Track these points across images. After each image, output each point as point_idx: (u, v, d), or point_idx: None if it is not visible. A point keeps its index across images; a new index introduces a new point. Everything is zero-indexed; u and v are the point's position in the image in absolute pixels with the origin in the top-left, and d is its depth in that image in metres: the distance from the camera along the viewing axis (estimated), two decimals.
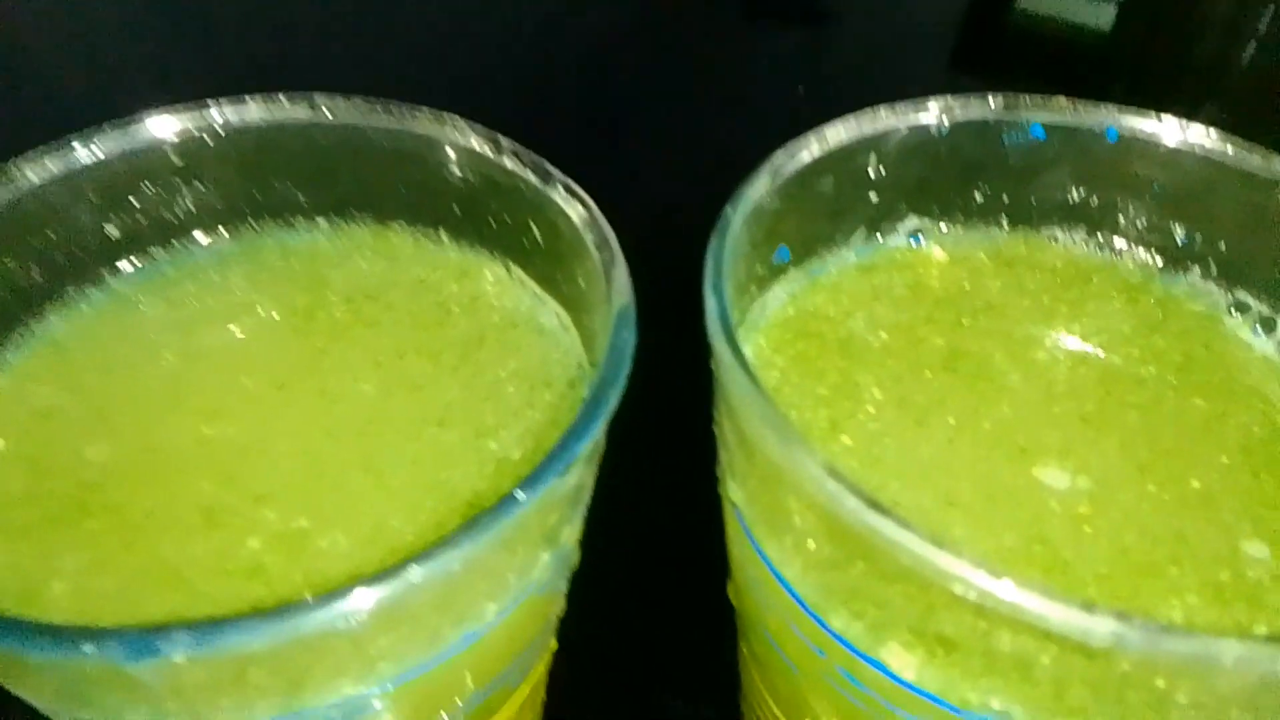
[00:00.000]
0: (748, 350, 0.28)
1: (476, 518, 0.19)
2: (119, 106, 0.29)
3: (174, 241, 0.31)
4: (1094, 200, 0.30)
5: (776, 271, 0.29)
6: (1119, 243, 0.31)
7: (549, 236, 0.28)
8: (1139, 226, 0.30)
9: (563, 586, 0.27)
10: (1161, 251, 0.30)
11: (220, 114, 0.29)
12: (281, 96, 0.30)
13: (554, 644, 0.31)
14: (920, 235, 0.31)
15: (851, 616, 0.21)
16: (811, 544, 0.21)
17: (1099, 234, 0.31)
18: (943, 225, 0.31)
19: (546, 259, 0.29)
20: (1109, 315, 0.29)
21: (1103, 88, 0.66)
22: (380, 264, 0.32)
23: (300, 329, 0.30)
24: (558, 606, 0.28)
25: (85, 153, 0.28)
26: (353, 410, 0.27)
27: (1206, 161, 0.28)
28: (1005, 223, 0.31)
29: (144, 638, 0.17)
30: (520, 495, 0.20)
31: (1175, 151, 0.29)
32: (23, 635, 0.17)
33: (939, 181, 0.30)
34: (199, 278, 0.31)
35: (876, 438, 0.26)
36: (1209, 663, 0.17)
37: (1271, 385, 0.27)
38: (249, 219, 0.32)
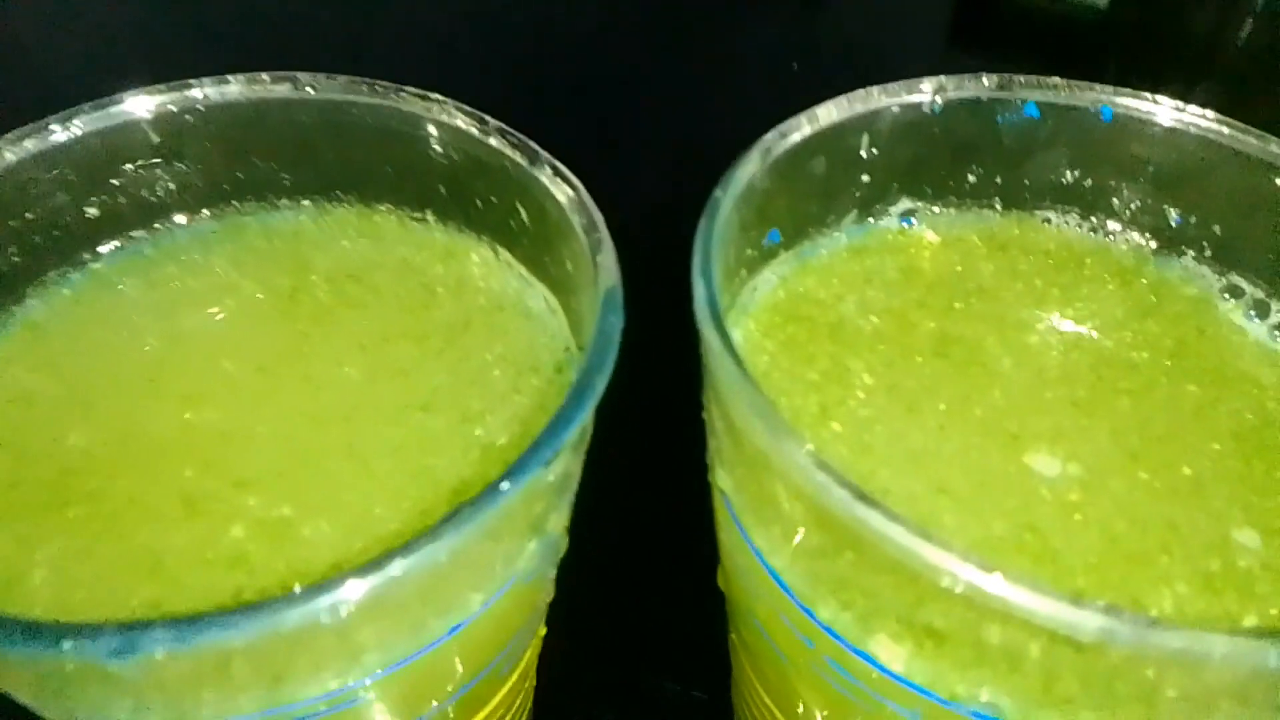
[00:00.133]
0: (737, 334, 0.28)
1: (460, 509, 0.19)
2: (99, 86, 0.28)
3: (155, 223, 0.30)
4: (1088, 181, 0.30)
5: (767, 254, 0.29)
6: (1113, 225, 0.31)
7: (536, 218, 0.28)
8: (1133, 208, 0.30)
9: (551, 574, 0.27)
10: (1155, 234, 0.30)
11: (201, 93, 0.29)
12: (264, 75, 0.29)
13: (544, 629, 0.31)
14: (913, 217, 0.31)
15: (840, 607, 0.21)
16: (800, 534, 0.21)
17: (1093, 216, 0.31)
18: (935, 207, 0.31)
19: (534, 241, 0.29)
20: (1102, 299, 0.29)
21: (1099, 65, 0.66)
22: (365, 245, 0.31)
23: (283, 311, 0.29)
24: (546, 594, 0.28)
25: (64, 133, 0.27)
26: (336, 395, 0.27)
27: (1202, 142, 0.28)
28: (998, 204, 0.31)
29: (123, 635, 0.17)
30: (505, 485, 0.20)
31: (1171, 132, 0.28)
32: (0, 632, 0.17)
33: (932, 162, 0.30)
34: (180, 259, 0.30)
35: (867, 424, 0.25)
36: (1197, 657, 0.16)
37: (1263, 370, 0.27)
38: (231, 199, 0.31)
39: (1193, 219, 0.29)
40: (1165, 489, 0.24)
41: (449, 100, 0.29)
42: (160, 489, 0.25)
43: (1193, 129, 0.28)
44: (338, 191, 0.32)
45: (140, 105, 0.28)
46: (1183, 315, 0.29)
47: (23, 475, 0.25)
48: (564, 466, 0.23)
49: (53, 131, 0.27)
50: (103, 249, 0.30)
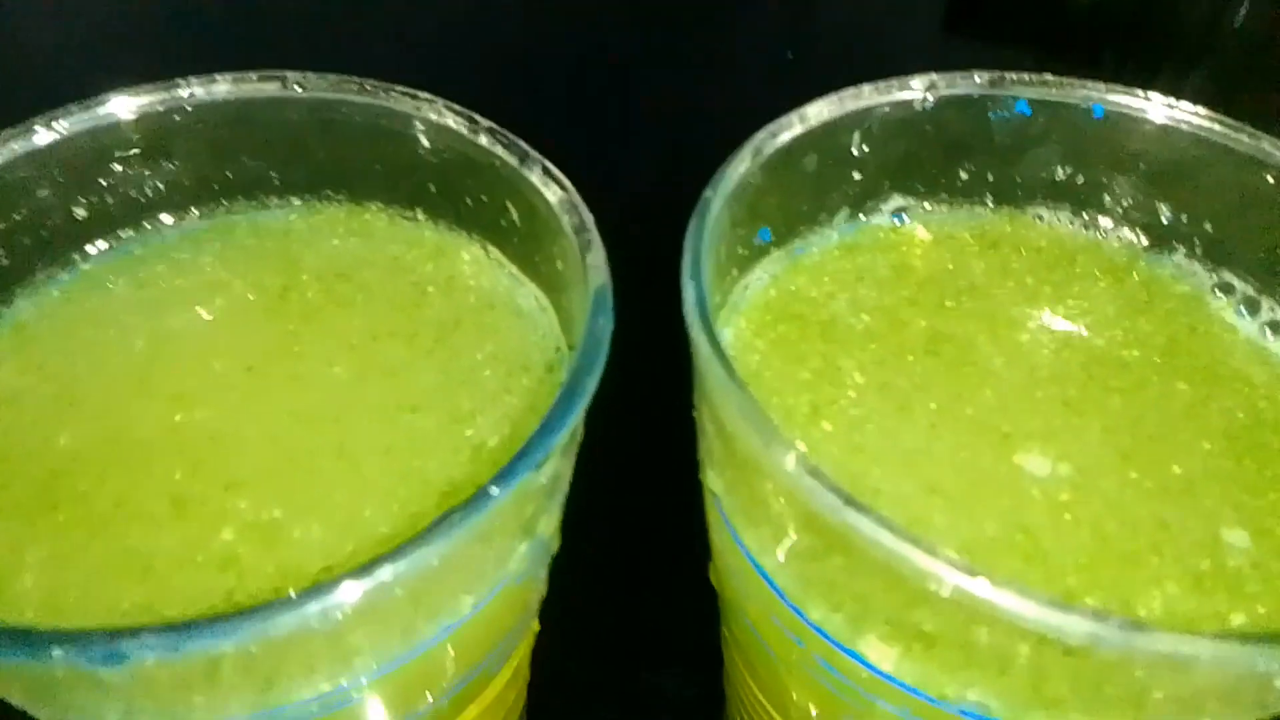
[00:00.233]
0: (728, 333, 0.28)
1: (449, 514, 0.19)
2: (85, 86, 0.28)
3: (144, 222, 0.30)
4: (1080, 178, 0.30)
5: (758, 252, 0.29)
6: (1105, 222, 0.30)
7: (526, 217, 0.28)
8: (1125, 205, 0.30)
9: (542, 574, 0.27)
10: (1147, 231, 0.30)
11: (189, 92, 0.29)
12: (252, 74, 0.29)
13: (536, 626, 0.31)
14: (904, 214, 0.31)
15: (830, 608, 0.21)
16: (790, 536, 0.21)
17: (1084, 213, 0.31)
18: (927, 204, 0.31)
19: (524, 240, 0.29)
20: (1093, 297, 0.29)
21: (1093, 52, 0.65)
22: (355, 243, 0.31)
23: (273, 310, 0.29)
24: (538, 593, 0.28)
25: (50, 134, 0.27)
26: (325, 395, 0.27)
27: (1194, 140, 0.28)
28: (990, 201, 0.31)
29: (113, 642, 0.17)
30: (494, 490, 0.20)
31: (1162, 129, 0.28)
32: None
33: (923, 160, 0.30)
34: (169, 258, 0.30)
35: (858, 424, 0.25)
36: (1182, 660, 0.16)
37: (1254, 368, 0.27)
38: (221, 198, 0.31)
39: (1184, 216, 0.29)
40: (1156, 488, 0.24)
41: (438, 99, 0.29)
42: (150, 491, 0.25)
43: (1184, 126, 0.28)
44: (328, 190, 0.32)
45: (127, 105, 0.28)
46: (1174, 313, 0.29)
47: (12, 477, 0.25)
48: (554, 469, 0.23)
49: (39, 132, 0.27)
50: (91, 249, 0.30)
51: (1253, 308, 0.29)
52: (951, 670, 0.20)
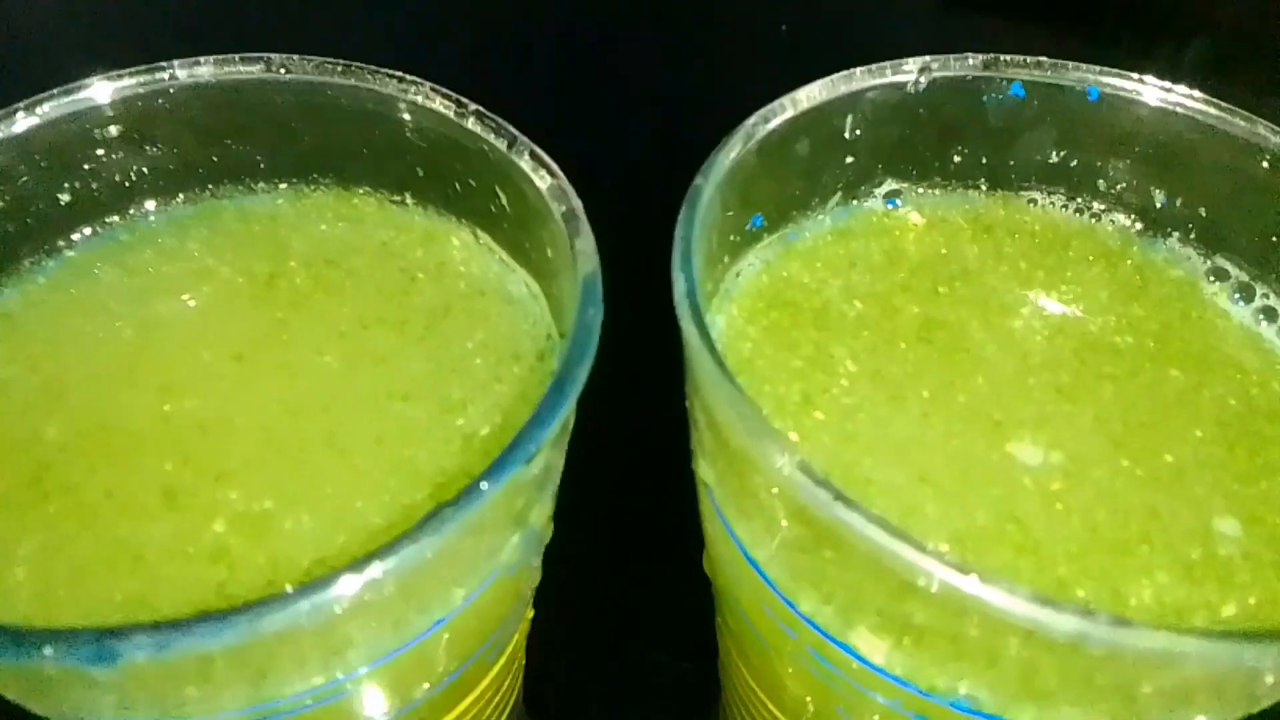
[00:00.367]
0: (721, 321, 0.27)
1: (439, 509, 0.19)
2: (67, 71, 0.28)
3: (129, 208, 0.30)
4: (1074, 162, 0.30)
5: (750, 238, 0.28)
6: (1099, 205, 0.30)
7: (516, 203, 0.28)
8: (1119, 189, 0.30)
9: (535, 562, 0.27)
10: (1141, 215, 0.30)
11: (173, 75, 0.28)
12: (236, 56, 0.29)
13: (531, 612, 0.31)
14: (897, 198, 0.30)
15: (821, 600, 0.21)
16: (780, 529, 0.21)
17: (1079, 197, 0.30)
18: (920, 188, 0.31)
19: (514, 226, 0.29)
20: (1087, 282, 0.29)
21: (1094, 23, 0.65)
22: (343, 229, 0.31)
23: (261, 297, 0.29)
24: (531, 581, 0.28)
25: (33, 119, 0.27)
26: (315, 384, 0.27)
27: (1188, 123, 0.28)
28: (984, 185, 0.31)
29: (104, 641, 0.17)
30: (484, 485, 0.19)
31: (1157, 112, 0.28)
32: None
33: (917, 143, 0.30)
34: (156, 244, 0.30)
35: (850, 412, 0.25)
36: (1170, 656, 0.16)
37: (1247, 355, 0.27)
38: (207, 183, 0.31)
39: (1179, 200, 0.29)
40: (1147, 477, 0.24)
41: (425, 82, 0.28)
42: (140, 482, 0.25)
43: (1179, 109, 0.28)
44: (315, 174, 0.31)
45: (111, 89, 0.28)
46: (1168, 299, 0.28)
47: (2, 469, 0.25)
48: (545, 461, 0.23)
49: (21, 118, 0.27)
50: (77, 236, 0.29)
51: (1246, 294, 0.28)
52: (942, 663, 0.20)
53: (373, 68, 0.29)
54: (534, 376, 0.27)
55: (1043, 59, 0.28)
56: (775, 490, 0.20)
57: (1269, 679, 0.18)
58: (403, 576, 0.19)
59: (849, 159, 0.29)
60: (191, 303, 0.29)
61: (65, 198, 0.29)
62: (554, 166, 0.26)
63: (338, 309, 0.29)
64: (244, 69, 0.29)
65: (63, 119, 0.27)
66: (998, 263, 0.29)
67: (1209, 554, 0.23)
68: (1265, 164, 0.27)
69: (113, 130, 0.28)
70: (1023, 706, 0.20)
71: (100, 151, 0.29)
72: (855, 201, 0.30)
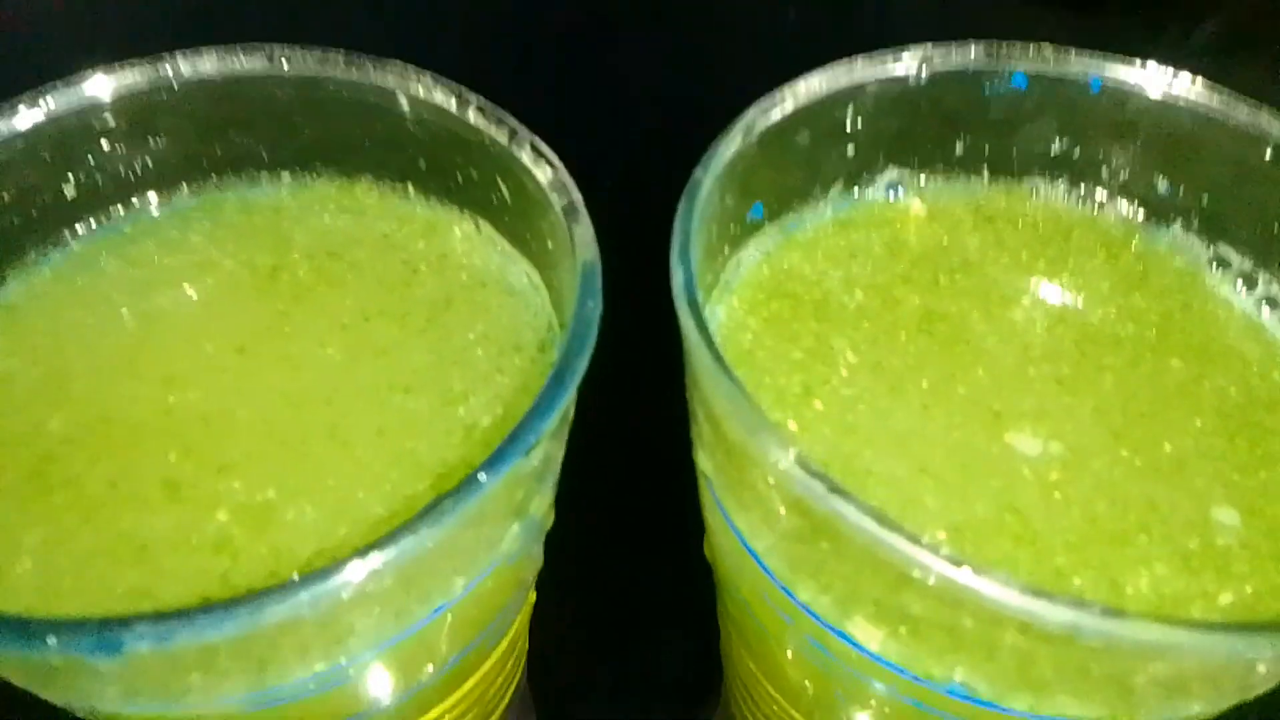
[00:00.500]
0: (721, 311, 0.28)
1: (439, 501, 0.19)
2: (70, 63, 0.28)
3: (133, 199, 0.30)
4: (1076, 151, 0.30)
5: (751, 229, 0.28)
6: (1101, 195, 0.30)
7: (516, 195, 0.28)
8: (1122, 178, 0.30)
9: (536, 550, 0.27)
10: (1144, 204, 0.30)
11: (175, 68, 0.28)
12: (238, 48, 0.29)
13: (533, 596, 0.31)
14: (899, 188, 0.30)
15: (818, 590, 0.21)
16: (778, 521, 0.21)
17: (1081, 186, 0.30)
18: (922, 178, 0.30)
19: (515, 217, 0.29)
20: (1089, 272, 0.29)
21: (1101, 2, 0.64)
22: (345, 220, 0.31)
23: (263, 289, 0.29)
24: (532, 568, 0.28)
25: (36, 112, 0.27)
26: (317, 376, 0.27)
27: (1192, 112, 0.28)
28: (986, 175, 0.31)
29: (107, 632, 0.17)
30: (483, 477, 0.20)
31: (1160, 102, 0.28)
32: None
33: (918, 133, 0.30)
34: (158, 236, 0.30)
35: (850, 404, 0.25)
36: (1163, 648, 0.17)
37: (1248, 345, 0.27)
38: (210, 175, 0.31)
39: (1181, 189, 0.29)
40: (1147, 467, 0.24)
41: (426, 73, 0.28)
42: (143, 474, 0.25)
43: (1182, 99, 0.27)
44: (317, 165, 0.31)
45: (113, 82, 0.28)
46: (1169, 288, 0.28)
47: (4, 461, 0.25)
48: (544, 452, 0.23)
49: (23, 111, 0.27)
50: (81, 228, 0.29)
51: (1249, 283, 0.28)
52: (938, 652, 0.20)
53: (375, 59, 0.29)
54: (535, 368, 0.27)
55: (1045, 48, 0.28)
56: (772, 482, 0.20)
57: (1261, 669, 0.18)
58: (403, 567, 0.19)
59: (850, 149, 0.29)
60: (194, 295, 0.29)
61: (69, 190, 0.29)
62: (555, 159, 0.26)
63: (340, 301, 0.29)
64: (246, 61, 0.29)
65: (65, 112, 0.28)
66: (999, 253, 0.29)
67: (1207, 544, 0.23)
68: (1269, 153, 0.27)
69: (115, 123, 0.29)
70: (1018, 695, 0.20)
71: (103, 144, 0.29)
72: (857, 192, 0.30)
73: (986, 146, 0.30)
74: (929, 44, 0.28)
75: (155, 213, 0.30)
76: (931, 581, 0.17)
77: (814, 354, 0.26)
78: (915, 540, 0.17)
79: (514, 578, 0.26)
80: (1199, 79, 0.27)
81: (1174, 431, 0.25)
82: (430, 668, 0.26)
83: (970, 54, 0.28)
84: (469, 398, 0.26)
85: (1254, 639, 0.16)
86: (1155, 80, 0.28)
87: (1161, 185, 0.29)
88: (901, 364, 0.26)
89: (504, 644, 0.30)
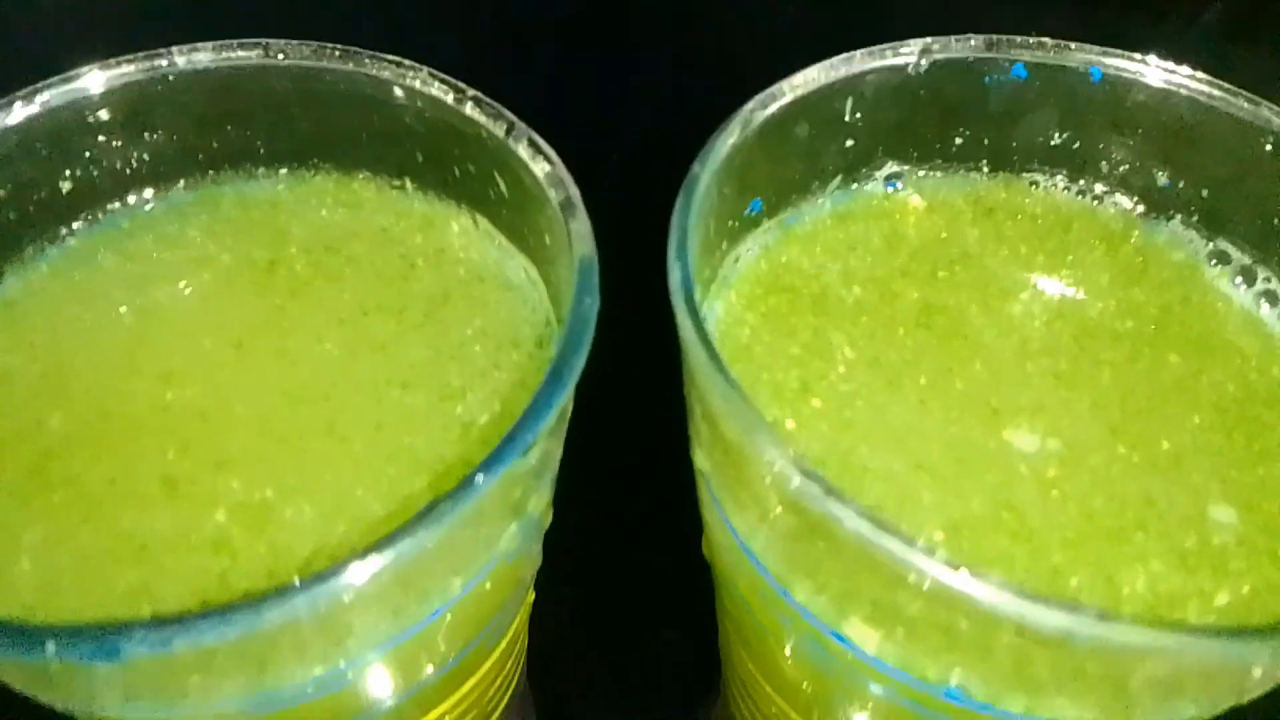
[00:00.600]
0: (719, 307, 0.27)
1: (435, 503, 0.19)
2: (66, 59, 0.28)
3: (130, 195, 0.30)
4: (1076, 143, 0.29)
5: (749, 223, 0.28)
6: (1101, 187, 0.30)
7: (514, 189, 0.28)
8: (1121, 170, 0.30)
9: (535, 549, 0.27)
10: (1144, 197, 0.30)
11: (171, 62, 0.28)
12: (234, 42, 0.29)
13: (532, 595, 0.32)
14: (898, 181, 0.30)
15: (815, 590, 0.21)
16: (775, 521, 0.21)
17: (1081, 179, 0.30)
18: (921, 170, 0.30)
19: (513, 211, 0.29)
20: (1088, 265, 0.29)
21: None
22: (343, 214, 0.31)
23: (260, 284, 0.29)
24: (531, 567, 0.28)
25: (32, 108, 0.27)
26: (315, 371, 0.27)
27: (1191, 105, 0.27)
28: (985, 167, 0.30)
29: (105, 637, 0.17)
30: (480, 478, 0.20)
31: (1160, 93, 0.28)
32: None
33: (917, 125, 0.29)
34: (156, 230, 0.30)
35: (848, 399, 0.25)
36: (1156, 652, 0.17)
37: (1246, 339, 0.27)
38: (207, 169, 0.31)
39: (1181, 182, 0.29)
40: (1144, 463, 0.24)
41: (423, 68, 0.28)
42: (142, 471, 0.25)
43: (1182, 91, 0.27)
44: (314, 159, 0.31)
45: (110, 77, 0.28)
46: (1168, 282, 0.28)
47: (4, 459, 0.25)
48: (542, 450, 0.23)
49: (20, 107, 0.27)
50: (78, 223, 0.29)
51: (1248, 277, 0.28)
52: (934, 654, 0.20)
53: (371, 53, 0.28)
54: (533, 363, 0.27)
55: (1045, 39, 0.28)
56: (768, 483, 0.20)
57: (1256, 672, 0.18)
58: (400, 569, 0.19)
59: (849, 142, 0.29)
60: (192, 290, 0.29)
61: (66, 185, 0.29)
62: (552, 153, 0.26)
63: (337, 296, 0.29)
64: (242, 55, 0.29)
65: (62, 107, 0.28)
66: (998, 246, 0.29)
67: (1204, 541, 0.23)
68: (1269, 147, 0.26)
69: (112, 117, 0.28)
70: (1015, 696, 0.20)
71: (100, 139, 0.29)
72: (855, 185, 0.30)
73: (986, 139, 0.30)
74: (928, 36, 0.28)
75: (153, 207, 0.30)
76: (926, 585, 0.17)
77: (812, 349, 0.26)
78: (910, 544, 0.17)
79: (512, 576, 0.26)
80: (1199, 72, 0.27)
81: (1172, 427, 0.25)
82: (429, 668, 0.26)
83: (970, 45, 0.28)
84: (467, 394, 0.26)
85: (1248, 643, 0.16)
86: (1155, 73, 0.27)
87: (1161, 178, 0.29)
88: (899, 359, 0.26)
89: (503, 643, 0.30)
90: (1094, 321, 0.27)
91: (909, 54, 0.28)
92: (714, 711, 0.39)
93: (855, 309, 0.27)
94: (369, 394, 0.26)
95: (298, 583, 0.18)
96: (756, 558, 0.22)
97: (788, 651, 0.24)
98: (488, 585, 0.24)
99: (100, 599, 0.23)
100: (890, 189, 0.30)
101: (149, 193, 0.30)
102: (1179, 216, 0.29)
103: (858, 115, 0.28)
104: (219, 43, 0.29)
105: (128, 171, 0.30)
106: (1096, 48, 0.28)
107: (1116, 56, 0.28)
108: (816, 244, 0.29)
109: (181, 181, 0.31)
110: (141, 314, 0.28)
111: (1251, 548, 0.23)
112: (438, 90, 0.28)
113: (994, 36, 0.28)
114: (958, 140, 0.30)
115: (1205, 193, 0.28)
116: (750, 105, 0.26)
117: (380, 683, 0.24)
